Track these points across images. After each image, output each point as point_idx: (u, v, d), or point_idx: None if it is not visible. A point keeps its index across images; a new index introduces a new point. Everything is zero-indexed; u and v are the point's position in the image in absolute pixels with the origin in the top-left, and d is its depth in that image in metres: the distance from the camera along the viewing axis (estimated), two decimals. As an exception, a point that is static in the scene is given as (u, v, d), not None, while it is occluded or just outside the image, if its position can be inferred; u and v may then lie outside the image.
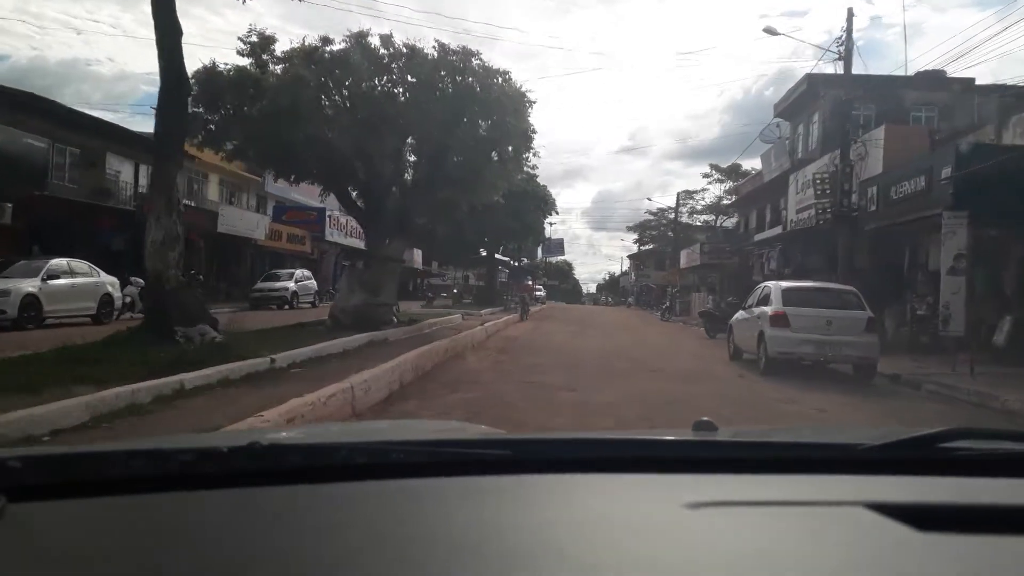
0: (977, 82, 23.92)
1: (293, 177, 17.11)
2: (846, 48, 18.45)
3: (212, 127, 14.65)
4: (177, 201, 9.39)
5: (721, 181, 52.15)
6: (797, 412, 8.48)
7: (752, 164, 41.17)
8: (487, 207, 21.26)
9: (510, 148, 16.27)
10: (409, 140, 16.43)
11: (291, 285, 28.28)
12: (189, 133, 14.83)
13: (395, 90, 15.30)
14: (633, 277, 79.95)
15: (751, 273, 29.39)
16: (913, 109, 24.62)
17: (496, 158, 16.39)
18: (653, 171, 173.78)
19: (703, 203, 55.80)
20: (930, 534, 0.92)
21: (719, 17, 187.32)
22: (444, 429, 2.15)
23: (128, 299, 18.05)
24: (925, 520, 0.94)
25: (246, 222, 31.32)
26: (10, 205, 19.37)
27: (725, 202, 49.59)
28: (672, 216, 55.30)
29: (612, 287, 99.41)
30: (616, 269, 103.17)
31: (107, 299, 17.23)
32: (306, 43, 14.81)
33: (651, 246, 68.17)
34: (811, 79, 25.19)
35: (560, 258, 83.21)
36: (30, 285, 15.00)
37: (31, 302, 14.89)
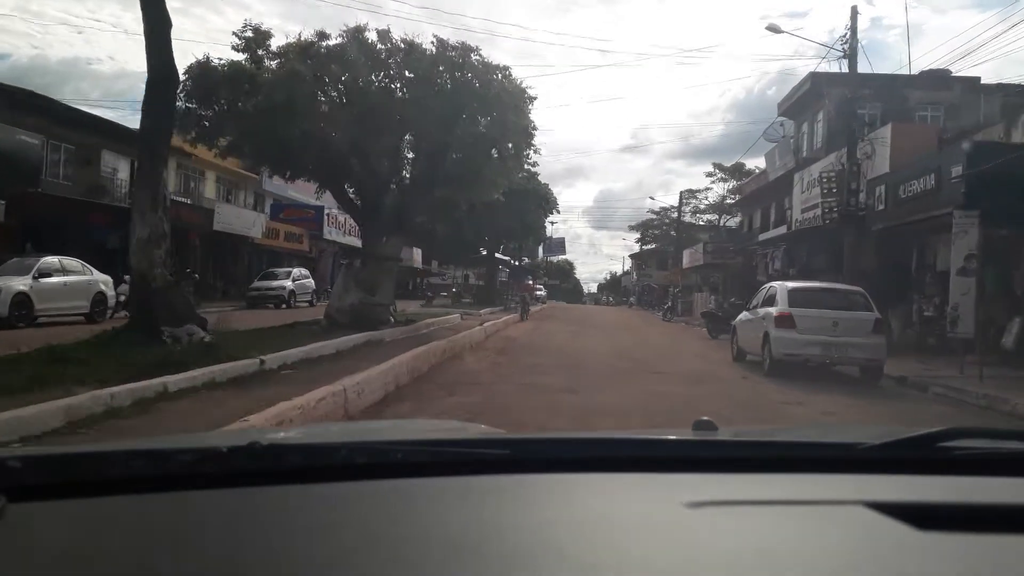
0: (982, 81, 23.71)
1: (288, 174, 16.85)
2: (851, 46, 18.19)
3: (206, 123, 14.35)
4: (164, 197, 9.10)
5: (724, 180, 52.03)
6: (804, 415, 8.33)
7: (756, 163, 40.95)
8: (487, 205, 20.99)
9: (510, 145, 15.95)
10: (407, 137, 16.11)
11: (288, 284, 28.09)
12: (184, 129, 14.61)
13: (392, 86, 15.00)
14: (635, 277, 79.75)
15: (755, 273, 29.19)
16: (918, 108, 24.36)
17: (496, 155, 16.09)
18: (655, 170, 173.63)
19: (706, 202, 55.67)
20: (930, 533, 0.92)
21: (720, 18, 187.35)
22: (443, 429, 2.14)
23: (122, 298, 17.78)
24: (925, 519, 0.94)
25: (242, 220, 31.11)
26: (3, 202, 19.18)
27: (728, 201, 49.43)
28: (675, 215, 55.10)
29: (613, 287, 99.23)
30: (618, 269, 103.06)
31: (100, 298, 17.02)
32: (302, 38, 14.53)
33: (653, 245, 67.95)
34: (815, 77, 24.93)
35: (561, 257, 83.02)
36: (21, 283, 14.84)
37: (22, 300, 14.71)
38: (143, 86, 9.02)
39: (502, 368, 11.69)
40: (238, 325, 12.66)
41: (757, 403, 9.19)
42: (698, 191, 56.77)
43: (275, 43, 14.61)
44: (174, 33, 9.12)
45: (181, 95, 13.59)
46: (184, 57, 13.93)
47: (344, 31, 14.62)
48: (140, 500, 1.04)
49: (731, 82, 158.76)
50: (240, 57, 14.23)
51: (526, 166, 19.98)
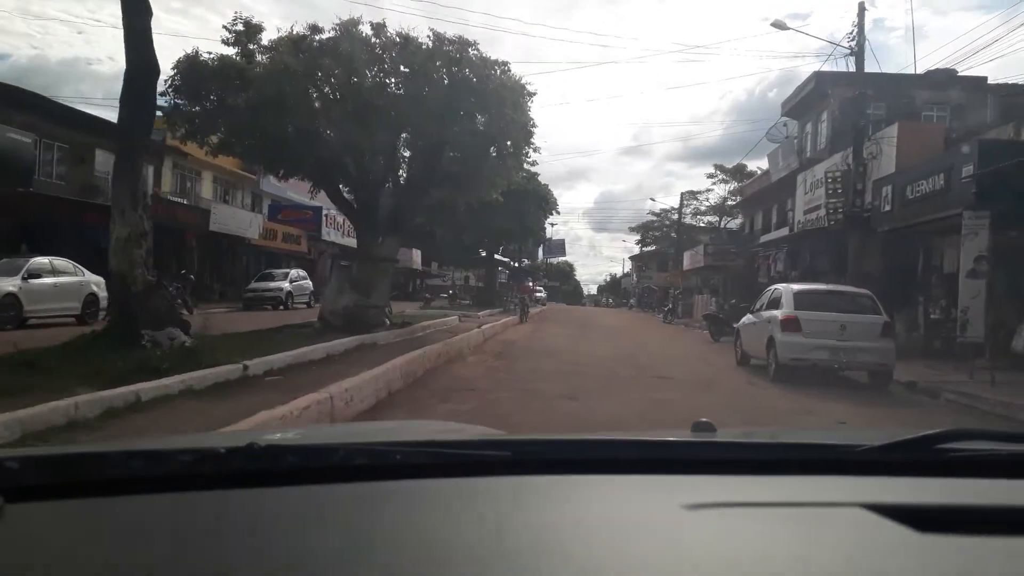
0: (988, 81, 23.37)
1: (282, 172, 16.46)
2: (858, 42, 17.84)
3: (196, 119, 13.97)
4: (144, 195, 8.72)
5: (725, 182, 51.62)
6: (816, 425, 7.99)
7: (757, 164, 40.59)
8: (486, 206, 20.60)
9: (509, 143, 15.55)
10: (403, 134, 15.70)
11: (286, 285, 27.77)
12: (172, 126, 14.24)
13: (387, 81, 14.57)
14: (635, 278, 79.46)
15: (756, 275, 28.91)
16: (924, 108, 24.04)
17: (495, 153, 15.69)
18: (656, 172, 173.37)
19: (707, 204, 55.25)
20: (929, 535, 0.92)
21: (720, 19, 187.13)
22: (443, 430, 2.13)
23: (114, 299, 17.51)
24: (924, 521, 0.94)
25: (239, 220, 30.76)
26: (-4, 202, 18.81)
27: (729, 203, 49.10)
28: (675, 217, 54.77)
29: (613, 288, 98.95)
30: (618, 270, 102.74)
31: (92, 299, 16.66)
32: (294, 31, 14.15)
33: (653, 247, 67.69)
34: (819, 77, 24.64)
35: (561, 259, 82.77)
36: (9, 284, 14.57)
37: (11, 302, 14.45)
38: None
39: (499, 373, 11.36)
40: (230, 327, 12.34)
41: (764, 412, 8.86)
42: (699, 193, 56.32)
43: (266, 37, 14.25)
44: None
45: (169, 90, 13.24)
46: (184, 56, 13.53)
47: (337, 24, 14.22)
48: (138, 501, 1.04)
49: (732, 83, 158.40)
50: (230, 51, 13.85)
51: (526, 165, 19.52)
